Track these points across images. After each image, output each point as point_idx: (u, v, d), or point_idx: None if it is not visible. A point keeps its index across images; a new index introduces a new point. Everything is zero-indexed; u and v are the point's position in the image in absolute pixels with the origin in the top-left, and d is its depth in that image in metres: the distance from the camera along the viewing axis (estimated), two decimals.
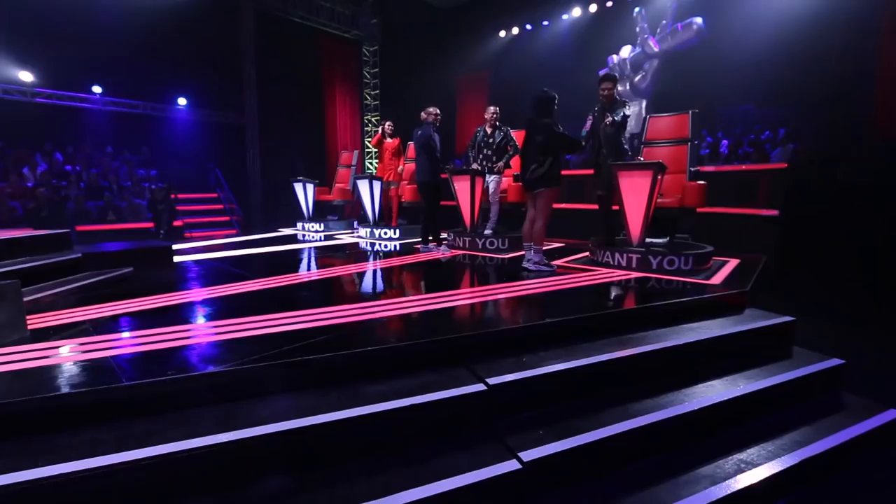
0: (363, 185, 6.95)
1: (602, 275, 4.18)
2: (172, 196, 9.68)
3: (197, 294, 3.60)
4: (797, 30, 8.48)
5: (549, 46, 12.79)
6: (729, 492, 1.94)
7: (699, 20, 9.90)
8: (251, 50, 12.29)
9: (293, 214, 9.18)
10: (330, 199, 8.80)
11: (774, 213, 6.95)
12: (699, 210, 4.85)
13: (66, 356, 2.26)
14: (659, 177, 4.35)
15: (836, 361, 2.86)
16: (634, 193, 4.42)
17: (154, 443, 1.69)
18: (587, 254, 4.96)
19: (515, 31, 13.51)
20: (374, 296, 3.79)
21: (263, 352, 2.22)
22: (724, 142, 9.75)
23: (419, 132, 5.52)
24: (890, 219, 6.33)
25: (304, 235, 7.77)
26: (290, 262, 5.35)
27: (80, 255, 3.56)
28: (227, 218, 11.37)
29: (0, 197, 8.45)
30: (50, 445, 1.69)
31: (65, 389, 1.86)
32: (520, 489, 1.86)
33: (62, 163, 10.50)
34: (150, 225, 9.53)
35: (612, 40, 11.48)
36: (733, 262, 4.65)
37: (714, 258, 4.65)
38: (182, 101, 12.49)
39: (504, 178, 6.02)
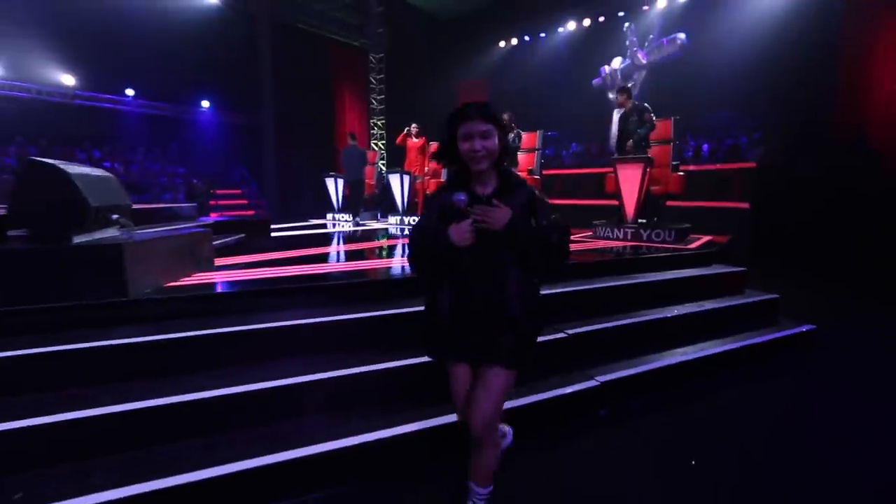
0: (394, 179, 7.91)
1: (604, 244, 5.26)
2: (213, 191, 10.55)
3: (302, 252, 4.53)
4: (769, 44, 9.61)
5: (545, 56, 13.88)
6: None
7: (683, 36, 11.07)
8: (267, 57, 13.11)
9: (307, 209, 10.01)
10: None
11: (745, 205, 8.10)
12: (683, 204, 5.90)
13: (249, 275, 3.26)
14: (649, 169, 5.45)
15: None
16: (629, 182, 5.52)
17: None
18: (590, 231, 6.02)
19: (514, 41, 14.57)
20: None
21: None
22: (705, 145, 10.90)
23: (356, 149, 9.03)
24: (845, 209, 7.42)
25: (335, 224, 8.59)
26: (355, 237, 6.26)
27: (213, 221, 4.55)
28: (251, 212, 12.26)
29: None
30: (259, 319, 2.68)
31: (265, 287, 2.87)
32: None
33: (100, 159, 11.34)
34: None
35: (604, 52, 12.60)
36: (706, 238, 5.75)
37: (691, 234, 5.75)
38: (205, 104, 13.40)
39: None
